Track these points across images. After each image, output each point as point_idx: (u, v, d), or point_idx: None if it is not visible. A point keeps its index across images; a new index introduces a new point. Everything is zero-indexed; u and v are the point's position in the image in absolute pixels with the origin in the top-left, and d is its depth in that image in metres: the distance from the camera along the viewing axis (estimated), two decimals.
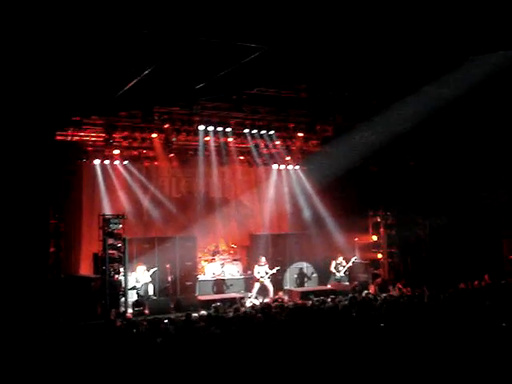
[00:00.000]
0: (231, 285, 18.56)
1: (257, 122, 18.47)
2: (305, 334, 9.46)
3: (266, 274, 17.76)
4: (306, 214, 20.92)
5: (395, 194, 19.67)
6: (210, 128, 17.84)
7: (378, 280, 19.58)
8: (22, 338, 10.06)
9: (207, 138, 18.54)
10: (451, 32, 11.09)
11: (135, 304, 16.02)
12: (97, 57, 11.16)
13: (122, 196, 18.64)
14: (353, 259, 19.43)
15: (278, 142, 19.80)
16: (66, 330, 11.82)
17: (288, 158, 21.00)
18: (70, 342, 9.56)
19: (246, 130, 18.42)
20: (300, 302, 15.65)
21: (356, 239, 20.67)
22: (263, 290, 17.79)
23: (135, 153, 18.43)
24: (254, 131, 18.58)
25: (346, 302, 13.20)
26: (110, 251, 15.61)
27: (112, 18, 9.24)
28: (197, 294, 17.83)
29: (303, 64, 12.74)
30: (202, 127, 17.69)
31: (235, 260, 19.67)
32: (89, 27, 9.68)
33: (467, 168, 18.13)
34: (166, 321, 11.70)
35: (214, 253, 19.41)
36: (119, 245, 15.73)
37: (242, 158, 20.36)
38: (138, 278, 16.37)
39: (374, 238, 20.76)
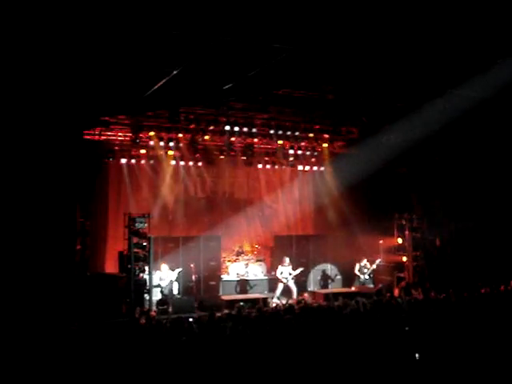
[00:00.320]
0: (255, 285, 18.59)
1: (282, 123, 18.47)
2: (329, 335, 9.45)
3: (290, 275, 17.74)
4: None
5: (421, 197, 19.52)
6: (236, 128, 17.87)
7: (403, 283, 19.43)
8: (49, 335, 10.16)
9: (233, 139, 18.59)
10: (479, 34, 11.00)
11: (159, 303, 16.11)
12: (126, 57, 11.26)
13: (147, 195, 18.78)
14: (377, 262, 19.31)
15: (303, 144, 19.79)
16: (91, 328, 11.92)
17: (313, 160, 20.97)
18: (94, 340, 9.64)
19: (272, 131, 18.42)
20: (325, 303, 15.61)
21: (381, 241, 20.53)
22: (287, 291, 17.77)
23: (161, 152, 18.54)
24: (280, 132, 18.58)
25: (370, 305, 13.13)
26: (136, 250, 15.70)
27: (142, 18, 9.31)
28: (220, 293, 17.89)
29: (330, 65, 12.72)
30: (227, 127, 17.74)
31: (259, 260, 19.69)
32: (119, 28, 9.76)
33: (494, 171, 17.92)
34: (190, 319, 11.74)
35: (238, 253, 19.46)
36: (144, 243, 15.81)
37: (267, 158, 20.38)
38: (163, 277, 16.46)
39: (399, 240, 20.60)
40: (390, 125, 17.92)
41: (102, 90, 13.25)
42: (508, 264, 17.62)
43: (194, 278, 17.17)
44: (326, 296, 17.50)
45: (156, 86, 12.77)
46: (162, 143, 17.97)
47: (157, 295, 16.41)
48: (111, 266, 17.50)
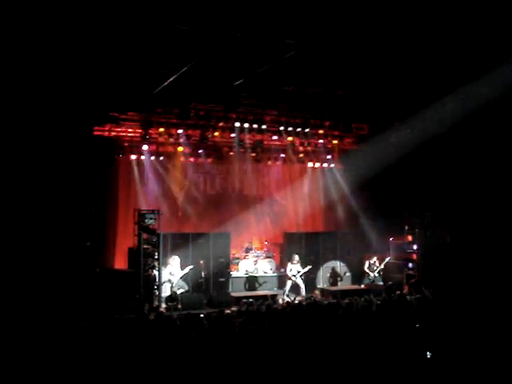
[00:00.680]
0: (264, 282, 18.57)
1: (292, 120, 18.42)
2: (338, 332, 9.42)
3: (298, 272, 17.71)
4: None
5: (432, 195, 19.42)
6: (246, 125, 17.85)
7: (412, 281, 19.35)
8: (58, 331, 10.19)
9: (242, 135, 18.57)
10: (491, 31, 10.93)
11: (168, 299, 16.12)
12: (136, 54, 11.26)
13: (157, 191, 18.80)
14: (387, 259, 19.26)
15: (313, 140, 19.74)
16: (99, 324, 11.94)
17: (323, 156, 20.92)
18: (103, 336, 9.65)
19: (282, 128, 18.38)
20: (334, 301, 15.56)
21: (390, 239, 20.46)
22: (295, 289, 17.75)
23: (171, 149, 18.56)
24: (290, 129, 18.54)
25: (379, 303, 13.08)
26: (145, 246, 15.72)
27: (153, 15, 9.30)
28: (230, 290, 17.88)
29: (340, 61, 12.68)
30: (237, 124, 17.72)
31: (268, 257, 19.66)
32: (130, 25, 9.76)
33: (506, 168, 17.79)
34: (201, 315, 11.73)
35: (248, 250, 19.44)
36: (154, 240, 15.83)
37: (276, 155, 20.34)
38: (173, 272, 16.44)
39: (409, 238, 20.51)
40: (401, 121, 17.83)
41: (113, 86, 13.29)
42: None
43: (203, 274, 17.17)
44: (334, 294, 17.46)
45: (166, 83, 12.78)
46: (171, 139, 17.99)
47: (166, 291, 16.42)
48: (121, 262, 17.54)
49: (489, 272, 17.34)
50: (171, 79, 12.47)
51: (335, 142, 20.11)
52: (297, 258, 17.90)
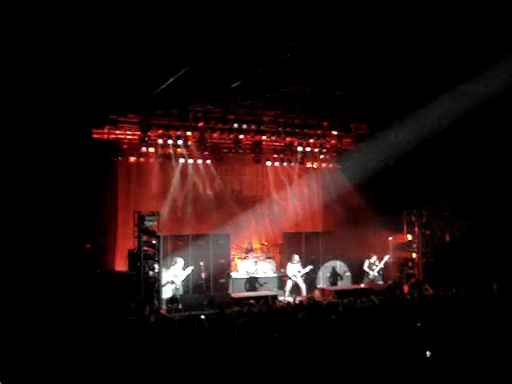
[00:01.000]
0: (265, 283, 18.59)
1: (290, 120, 18.45)
2: (338, 332, 9.43)
3: (299, 272, 17.75)
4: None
5: (430, 193, 19.44)
6: (244, 126, 17.87)
7: (412, 280, 19.40)
8: (58, 333, 10.20)
9: (241, 136, 18.59)
10: (488, 29, 10.95)
11: (169, 300, 16.14)
12: (134, 56, 11.28)
13: (156, 193, 18.81)
14: (386, 258, 19.29)
15: (311, 140, 19.77)
16: (100, 326, 11.95)
17: (322, 156, 20.95)
18: (104, 338, 9.66)
19: (280, 128, 18.41)
20: (334, 300, 15.58)
21: (390, 238, 20.49)
22: (296, 289, 17.78)
23: (170, 151, 18.58)
24: (288, 129, 18.56)
25: (379, 302, 13.10)
26: (145, 248, 15.74)
27: (150, 17, 9.32)
28: (230, 291, 17.91)
29: (338, 62, 12.69)
30: (236, 125, 17.75)
31: (268, 258, 19.69)
32: (128, 27, 9.78)
33: (505, 166, 17.82)
34: (202, 317, 11.75)
35: (248, 250, 19.46)
36: (154, 242, 15.85)
37: (275, 155, 20.36)
38: (177, 274, 16.46)
39: (409, 237, 20.55)
40: (399, 121, 17.86)
41: (111, 89, 13.30)
42: None
43: (203, 275, 17.19)
44: (335, 294, 17.49)
45: (164, 85, 12.80)
46: (170, 141, 18.02)
47: (167, 293, 16.44)
48: (121, 264, 17.55)
49: (489, 270, 17.38)
50: (170, 81, 12.48)
51: (334, 141, 20.13)
52: (297, 257, 17.94)
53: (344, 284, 19.79)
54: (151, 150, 18.22)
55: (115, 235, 18.25)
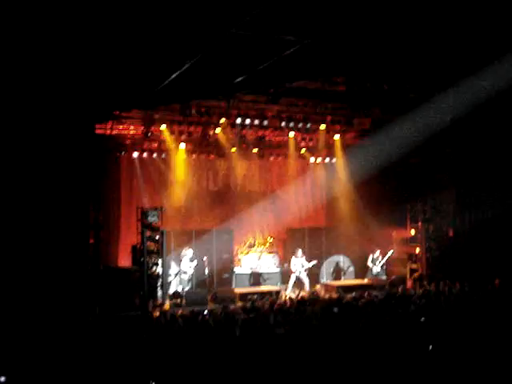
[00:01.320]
0: (268, 278, 18.61)
1: (294, 115, 18.41)
2: (342, 328, 9.44)
3: (303, 266, 17.76)
4: None
5: (434, 188, 19.43)
6: (247, 121, 17.85)
7: (416, 274, 19.39)
8: (62, 329, 10.23)
9: (244, 132, 18.57)
10: (494, 22, 10.89)
11: (172, 296, 16.17)
12: (137, 51, 11.25)
13: (159, 189, 18.83)
14: (390, 253, 19.29)
15: (315, 135, 19.74)
16: (104, 321, 11.99)
17: (325, 151, 20.92)
18: (107, 333, 9.69)
19: (283, 123, 18.38)
20: (336, 295, 15.59)
21: (393, 233, 20.49)
22: (299, 283, 17.79)
23: (173, 146, 18.57)
24: (291, 124, 18.53)
25: (383, 297, 13.12)
26: (148, 243, 15.76)
27: (153, 12, 9.30)
28: (233, 286, 17.93)
29: (342, 57, 12.65)
30: (239, 120, 17.73)
31: (272, 253, 19.70)
32: (130, 22, 9.75)
33: (509, 161, 17.78)
34: (205, 312, 11.78)
35: (251, 246, 19.47)
36: (157, 237, 15.86)
37: (278, 151, 20.34)
38: (184, 269, 16.58)
39: (412, 231, 20.53)
40: (403, 115, 17.81)
41: (114, 84, 13.28)
42: None
43: (206, 271, 17.21)
44: (338, 289, 17.50)
45: (167, 80, 12.76)
46: (173, 136, 18.02)
47: (170, 288, 16.49)
48: (124, 260, 17.59)
49: (492, 265, 17.35)
50: (173, 76, 12.44)
51: (337, 136, 20.10)
52: (300, 252, 17.96)
53: (347, 279, 19.79)
54: (154, 145, 18.23)
55: (118, 231, 18.29)
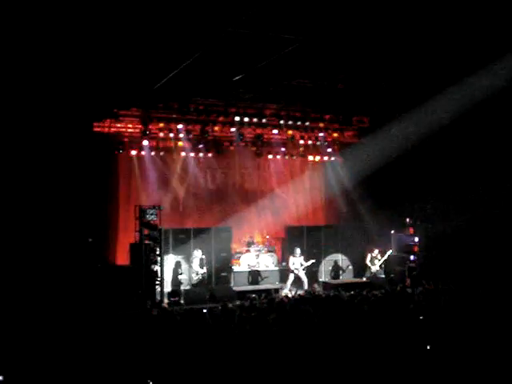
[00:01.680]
0: (266, 276, 18.59)
1: (292, 113, 18.38)
2: (339, 325, 9.42)
3: (301, 265, 17.74)
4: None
5: (432, 187, 19.40)
6: (246, 119, 17.82)
7: (414, 273, 19.36)
8: (59, 327, 10.20)
9: (243, 130, 18.54)
10: (494, 22, 10.88)
11: (171, 294, 16.15)
12: (135, 49, 11.24)
13: (157, 187, 18.81)
14: (388, 252, 19.26)
15: (313, 134, 19.71)
16: (102, 319, 11.94)
17: (324, 150, 20.89)
18: (106, 331, 9.66)
19: (282, 121, 18.35)
20: (335, 293, 15.56)
21: (392, 232, 20.47)
22: (297, 282, 17.77)
23: (171, 144, 18.56)
24: (290, 122, 18.50)
25: (381, 295, 13.09)
26: (147, 241, 15.74)
27: (153, 11, 9.29)
28: (232, 284, 17.91)
29: (340, 55, 12.64)
30: (237, 118, 17.69)
31: (270, 251, 19.67)
32: (130, 21, 9.74)
33: (505, 161, 17.77)
34: (204, 310, 11.74)
35: (249, 244, 19.44)
36: (155, 235, 15.84)
37: (277, 149, 20.32)
38: (195, 268, 16.69)
39: (411, 230, 20.50)
40: (401, 114, 17.80)
41: (113, 82, 13.27)
42: None
43: (205, 269, 17.18)
44: (335, 288, 17.47)
45: (166, 78, 12.76)
46: (171, 134, 17.99)
47: (167, 287, 16.47)
48: (122, 258, 17.53)
49: (491, 263, 17.35)
50: (172, 74, 12.44)
51: (336, 135, 20.07)
52: (298, 251, 17.93)
53: (346, 278, 19.78)
54: (152, 143, 18.20)
55: (116, 229, 18.26)
